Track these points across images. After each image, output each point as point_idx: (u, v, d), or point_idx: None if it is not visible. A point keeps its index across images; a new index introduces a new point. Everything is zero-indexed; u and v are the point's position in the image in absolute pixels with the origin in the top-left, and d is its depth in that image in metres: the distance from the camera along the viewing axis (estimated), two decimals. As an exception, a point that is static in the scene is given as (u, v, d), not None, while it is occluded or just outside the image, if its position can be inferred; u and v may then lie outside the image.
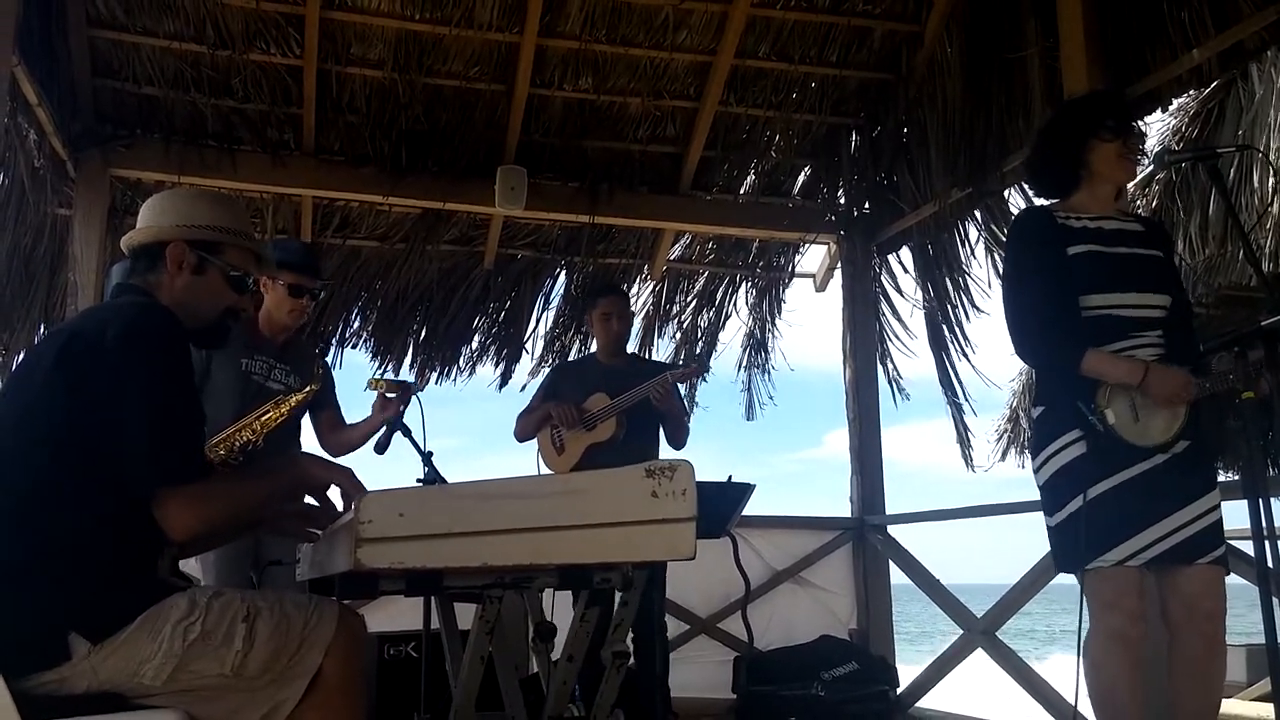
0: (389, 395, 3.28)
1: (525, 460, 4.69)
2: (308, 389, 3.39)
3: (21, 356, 5.32)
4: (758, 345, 6.39)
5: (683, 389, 4.14)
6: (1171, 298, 2.69)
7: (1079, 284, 2.64)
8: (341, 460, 2.45)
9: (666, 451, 4.18)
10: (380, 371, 6.03)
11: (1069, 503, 2.57)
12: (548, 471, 4.14)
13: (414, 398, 3.22)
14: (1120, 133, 2.69)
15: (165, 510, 1.79)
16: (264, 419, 3.30)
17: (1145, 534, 2.49)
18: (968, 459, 5.93)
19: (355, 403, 3.81)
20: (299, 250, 3.75)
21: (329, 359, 5.90)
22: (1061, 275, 2.64)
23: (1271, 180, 5.37)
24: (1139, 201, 6.19)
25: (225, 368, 3.44)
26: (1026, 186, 2.91)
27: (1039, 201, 2.92)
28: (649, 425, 4.05)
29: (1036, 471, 2.69)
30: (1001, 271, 2.96)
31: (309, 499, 2.22)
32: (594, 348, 4.50)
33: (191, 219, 2.12)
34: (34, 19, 4.45)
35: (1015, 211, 5.14)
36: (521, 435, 4.26)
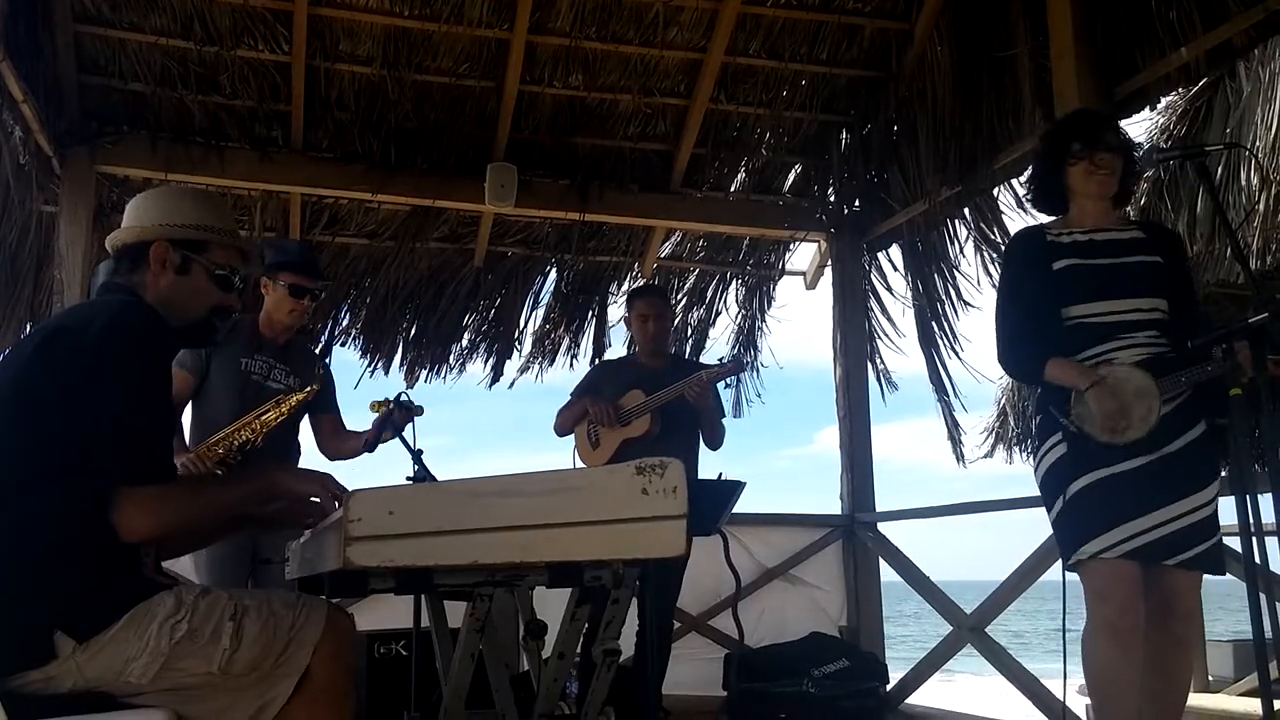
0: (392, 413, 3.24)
1: (514, 460, 4.68)
2: (308, 389, 3.38)
3: (7, 353, 5.30)
4: (746, 342, 6.39)
5: (721, 388, 4.21)
6: (1169, 300, 2.76)
7: (1064, 296, 2.77)
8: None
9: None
10: (370, 368, 6.01)
11: (1056, 501, 2.70)
12: (583, 465, 4.20)
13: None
14: (1085, 152, 2.79)
15: (120, 509, 1.78)
16: (264, 418, 3.30)
17: (1125, 527, 2.56)
18: (959, 455, 5.95)
19: (347, 404, 3.81)
20: (298, 250, 3.74)
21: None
22: (1042, 292, 2.78)
23: (1259, 178, 5.38)
24: (1129, 210, 6.19)
25: (225, 367, 3.44)
26: (1030, 205, 3.06)
27: (1038, 219, 3.04)
28: (687, 423, 4.07)
29: (1035, 472, 2.83)
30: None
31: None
32: (592, 347, 4.48)
33: (175, 218, 2.10)
34: (19, 14, 4.43)
35: (1004, 209, 5.21)
36: (560, 430, 4.31)
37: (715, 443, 4.17)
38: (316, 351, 3.48)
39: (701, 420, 4.05)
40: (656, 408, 4.03)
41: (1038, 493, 2.84)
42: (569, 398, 4.35)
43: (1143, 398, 2.59)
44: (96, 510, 1.78)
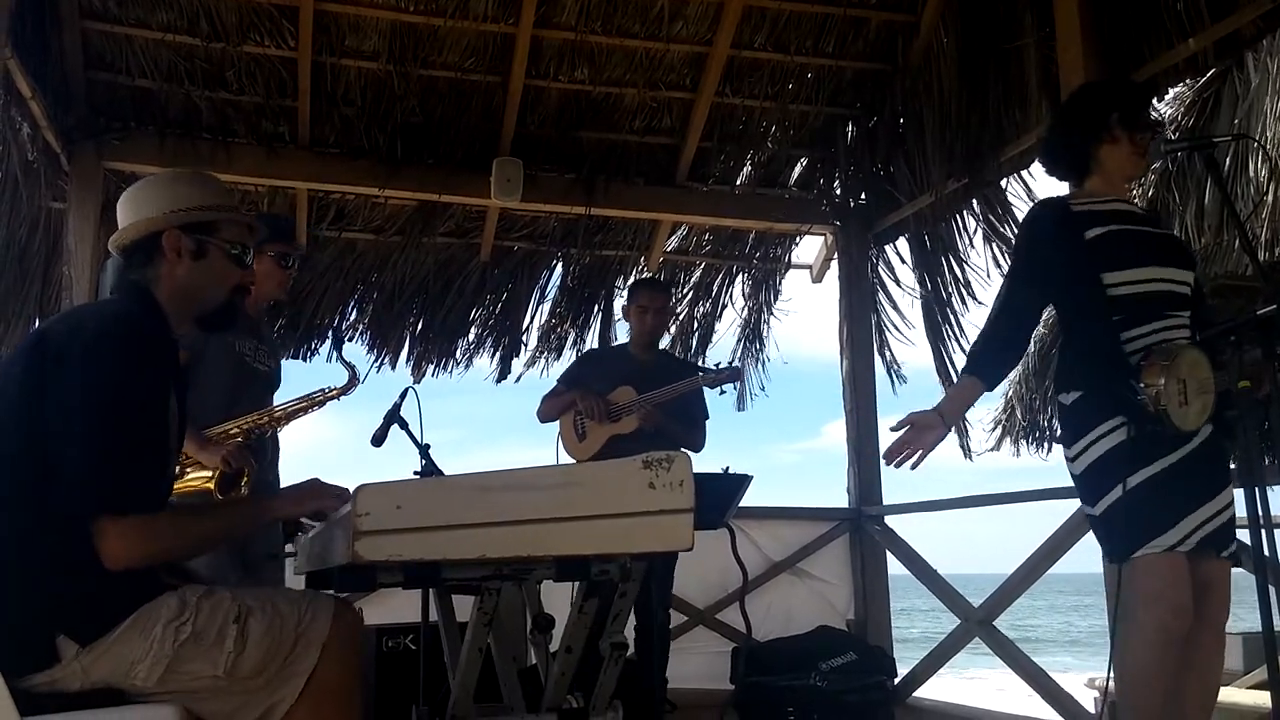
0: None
1: (520, 454, 4.70)
2: (350, 383, 3.35)
3: (11, 355, 5.31)
4: (752, 336, 6.38)
5: (717, 393, 4.24)
6: (1194, 274, 2.66)
7: (1108, 262, 2.58)
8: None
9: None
10: (377, 363, 5.99)
11: (1111, 491, 2.49)
12: (566, 455, 4.22)
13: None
14: (1127, 128, 2.65)
15: (102, 539, 1.71)
16: (289, 412, 3.29)
17: (1189, 520, 2.46)
18: (965, 449, 5.94)
19: (359, 399, 3.79)
20: (281, 219, 3.69)
21: (326, 353, 5.94)
22: (1072, 264, 2.60)
23: (1267, 170, 5.36)
24: (1135, 191, 6.18)
25: (221, 348, 3.33)
26: (1040, 165, 2.89)
27: (1050, 192, 2.91)
28: (677, 420, 4.09)
29: (1073, 460, 2.61)
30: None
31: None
32: (598, 342, 4.49)
33: (179, 203, 2.04)
34: (27, 12, 4.44)
35: (1012, 201, 5.17)
36: (544, 417, 4.32)
37: (694, 448, 4.19)
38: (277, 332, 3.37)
39: (664, 434, 4.01)
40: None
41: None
42: (555, 384, 4.37)
43: (1206, 386, 2.47)
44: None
